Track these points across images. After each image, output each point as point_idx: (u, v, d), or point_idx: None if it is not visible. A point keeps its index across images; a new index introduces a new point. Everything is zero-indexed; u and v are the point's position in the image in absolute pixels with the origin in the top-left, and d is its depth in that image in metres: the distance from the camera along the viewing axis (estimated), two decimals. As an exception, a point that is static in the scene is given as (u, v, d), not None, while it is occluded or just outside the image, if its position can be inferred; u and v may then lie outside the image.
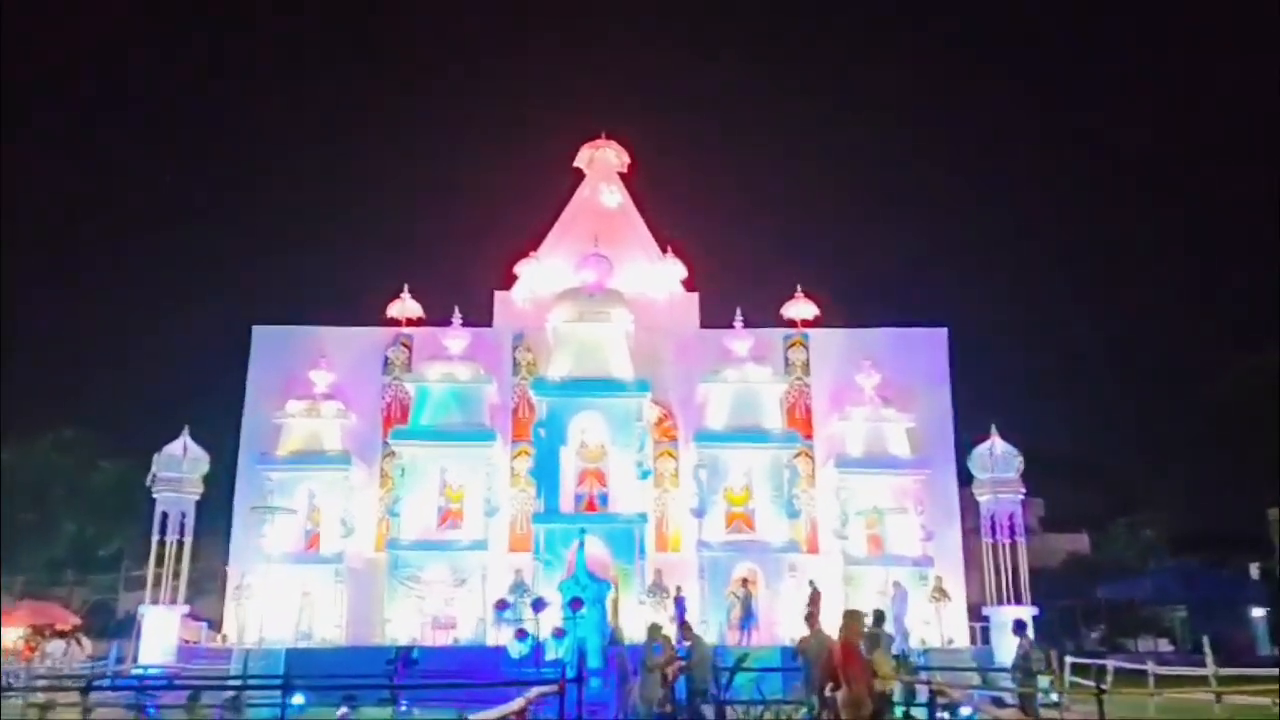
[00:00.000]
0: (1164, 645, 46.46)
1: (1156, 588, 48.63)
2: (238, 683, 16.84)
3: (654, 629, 16.63)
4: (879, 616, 15.98)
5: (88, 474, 45.38)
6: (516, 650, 23.60)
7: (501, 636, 25.59)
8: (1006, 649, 26.69)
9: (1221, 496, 54.25)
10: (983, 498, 28.98)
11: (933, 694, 14.68)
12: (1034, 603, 27.80)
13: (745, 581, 27.78)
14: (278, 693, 17.96)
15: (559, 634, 23.60)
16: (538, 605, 24.76)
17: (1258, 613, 45.24)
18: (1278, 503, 46.54)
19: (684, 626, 18.27)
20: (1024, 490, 28.59)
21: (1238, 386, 44.57)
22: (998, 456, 28.49)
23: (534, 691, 8.66)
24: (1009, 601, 27.78)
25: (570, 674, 11.16)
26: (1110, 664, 22.34)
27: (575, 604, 22.59)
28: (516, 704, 8.00)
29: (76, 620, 34.48)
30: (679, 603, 26.73)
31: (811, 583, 24.15)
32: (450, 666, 22.05)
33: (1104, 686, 11.37)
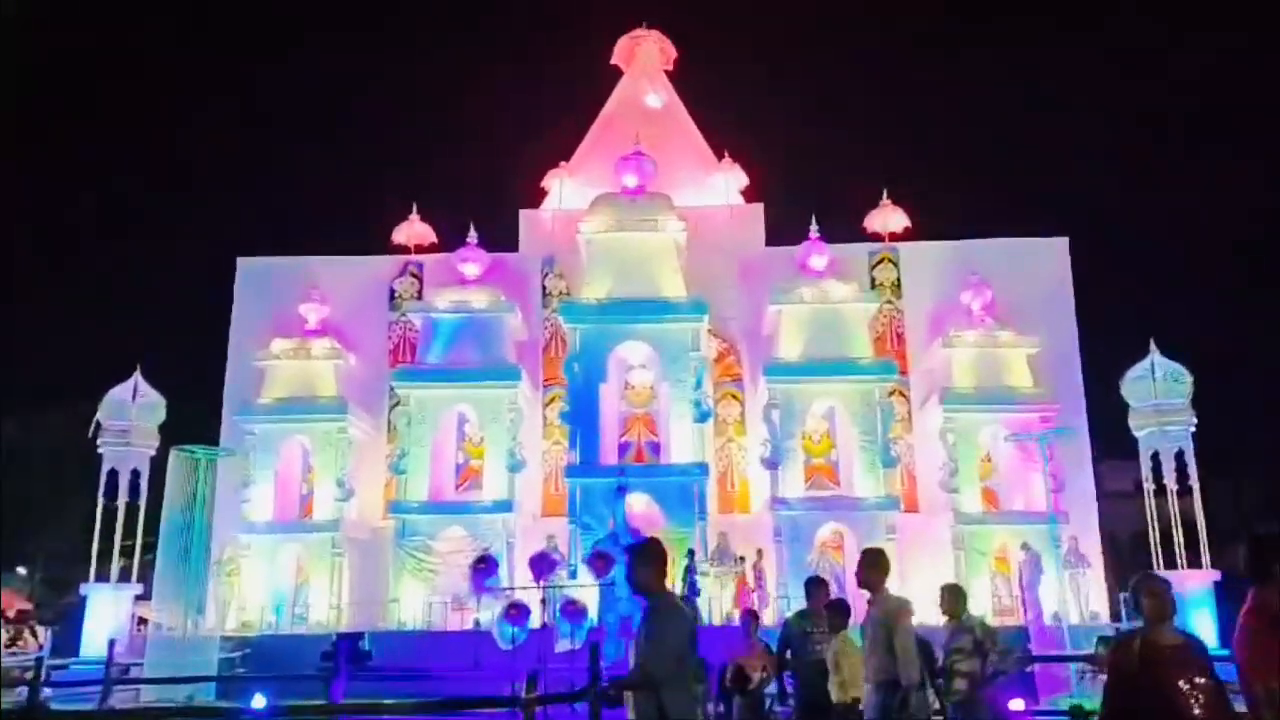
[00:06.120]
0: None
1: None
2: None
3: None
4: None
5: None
6: (507, 636, 15.39)
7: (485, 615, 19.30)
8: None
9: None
10: (1142, 431, 22.77)
11: None
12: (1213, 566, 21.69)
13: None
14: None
15: (573, 613, 16.28)
16: (540, 566, 16.91)
17: None
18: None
19: (836, 606, 9.12)
20: (1195, 420, 22.45)
21: None
22: (1161, 378, 22.37)
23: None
24: (1181, 565, 21.78)
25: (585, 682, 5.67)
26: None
27: (598, 562, 16.47)
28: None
29: (24, 604, 29.69)
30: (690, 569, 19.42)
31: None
32: (414, 661, 16.49)
33: None
